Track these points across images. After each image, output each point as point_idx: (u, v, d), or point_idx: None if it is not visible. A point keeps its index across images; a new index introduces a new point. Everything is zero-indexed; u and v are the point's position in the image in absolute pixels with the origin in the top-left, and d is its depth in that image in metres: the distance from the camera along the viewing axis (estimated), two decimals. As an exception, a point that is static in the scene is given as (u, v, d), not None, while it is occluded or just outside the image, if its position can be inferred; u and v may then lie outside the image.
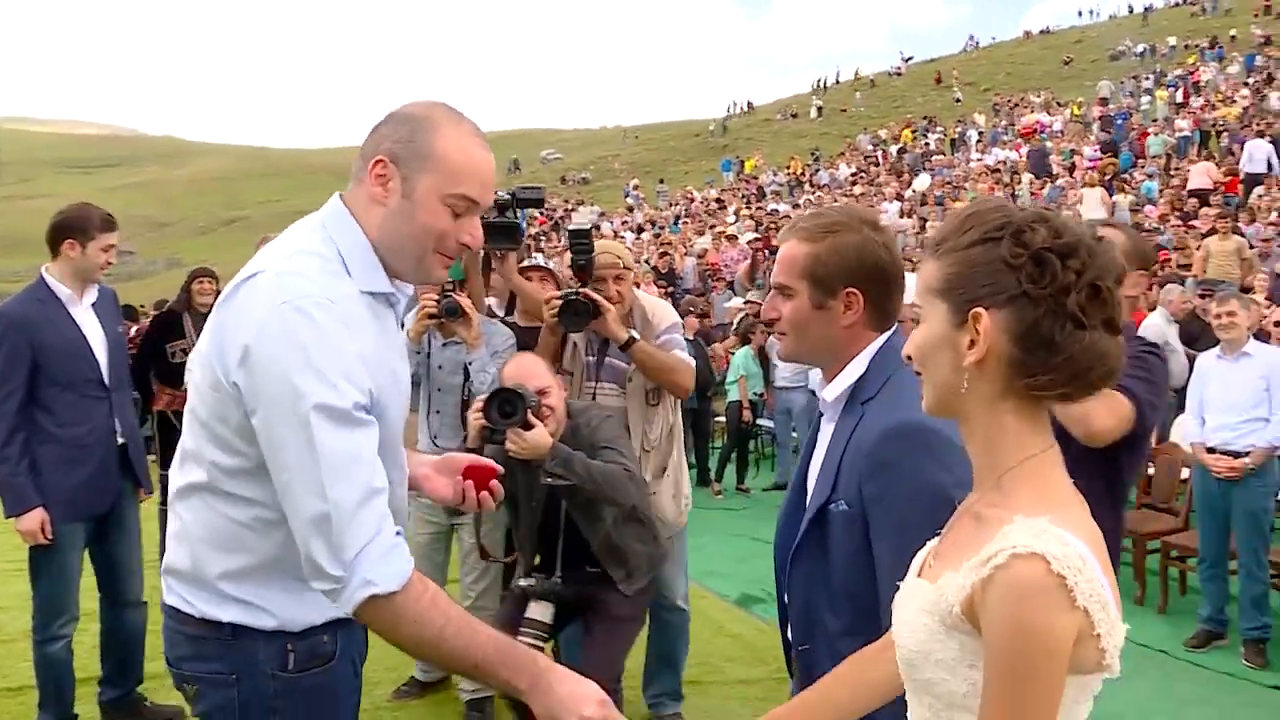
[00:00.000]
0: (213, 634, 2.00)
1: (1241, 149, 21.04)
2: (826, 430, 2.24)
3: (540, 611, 3.73)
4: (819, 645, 2.12)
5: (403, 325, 2.39)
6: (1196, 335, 9.50)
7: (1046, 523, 1.33)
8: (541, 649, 3.68)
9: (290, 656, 2.01)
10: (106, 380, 4.40)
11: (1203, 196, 18.74)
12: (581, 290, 4.07)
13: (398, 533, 1.88)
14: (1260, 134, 22.05)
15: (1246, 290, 10.96)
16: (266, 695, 2.01)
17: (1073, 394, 1.43)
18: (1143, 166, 23.59)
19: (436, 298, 4.24)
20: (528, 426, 3.53)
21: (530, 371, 3.77)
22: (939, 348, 1.48)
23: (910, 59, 71.57)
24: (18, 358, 4.16)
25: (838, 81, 68.94)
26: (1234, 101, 28.40)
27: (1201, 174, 19.66)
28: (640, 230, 30.53)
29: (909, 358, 1.56)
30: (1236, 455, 5.99)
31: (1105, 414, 3.14)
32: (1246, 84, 31.59)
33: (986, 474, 1.48)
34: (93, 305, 4.42)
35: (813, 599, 2.14)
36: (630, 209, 38.81)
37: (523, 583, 3.78)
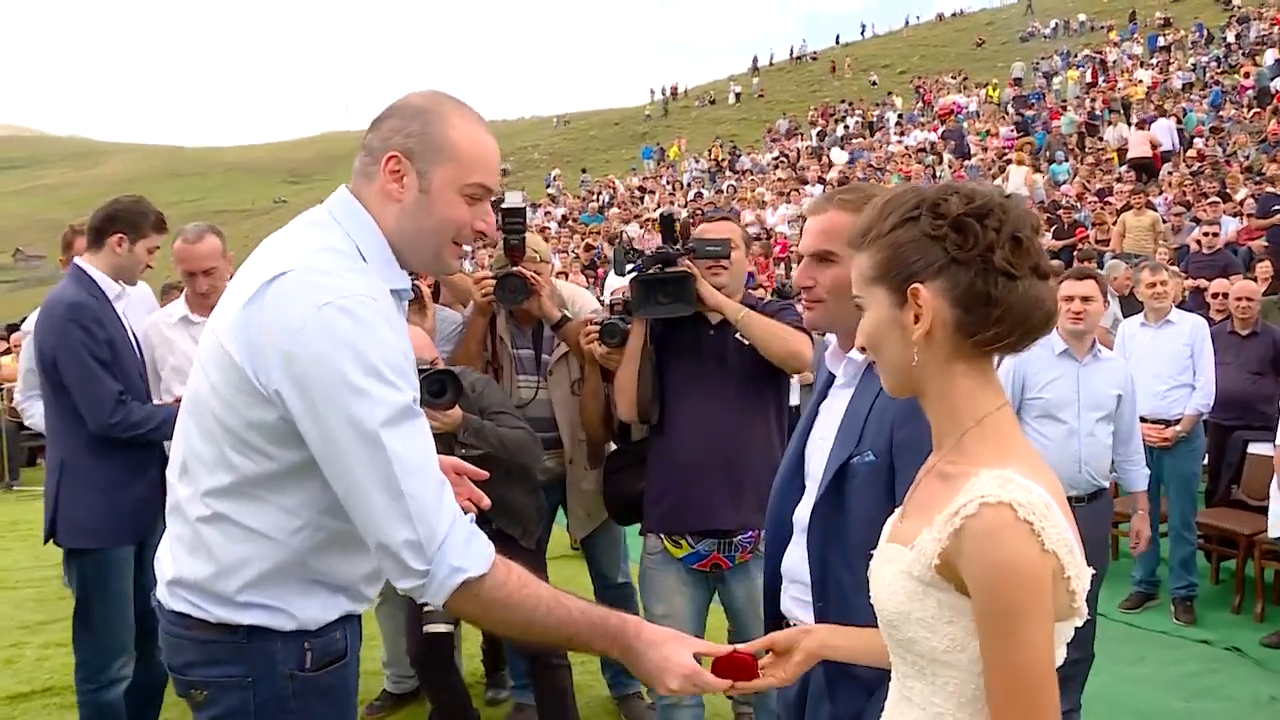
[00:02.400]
0: (226, 638, 1.95)
1: (1148, 127, 21.60)
2: (839, 396, 2.31)
3: None
4: (832, 603, 2.18)
5: None
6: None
7: (1011, 473, 1.41)
8: (452, 625, 3.70)
9: (308, 655, 1.99)
10: (147, 388, 4.05)
11: (1147, 166, 19.21)
12: (515, 268, 4.06)
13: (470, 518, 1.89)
14: (1163, 112, 22.71)
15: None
16: (284, 696, 1.98)
17: (1017, 342, 1.52)
18: (1054, 147, 24.08)
19: None
20: (451, 405, 3.55)
21: (416, 345, 3.69)
22: (887, 330, 1.56)
23: (838, 37, 72.63)
24: (107, 352, 3.78)
25: (771, 63, 69.29)
26: (1141, 82, 29.15)
27: (1142, 143, 20.05)
28: (564, 220, 30.44)
29: (862, 349, 1.64)
30: (1167, 423, 6.22)
31: (808, 348, 3.46)
32: (1149, 64, 32.46)
33: (947, 435, 1.56)
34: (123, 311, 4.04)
35: (829, 557, 2.19)
36: (553, 199, 38.68)
37: None
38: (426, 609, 3.59)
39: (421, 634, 3.72)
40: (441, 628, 3.63)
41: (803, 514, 2.31)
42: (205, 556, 1.95)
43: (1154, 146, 19.91)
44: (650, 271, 3.56)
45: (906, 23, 72.64)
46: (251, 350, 1.85)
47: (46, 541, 3.92)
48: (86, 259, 3.95)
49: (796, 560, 2.33)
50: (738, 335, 3.54)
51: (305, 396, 1.81)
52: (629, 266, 3.65)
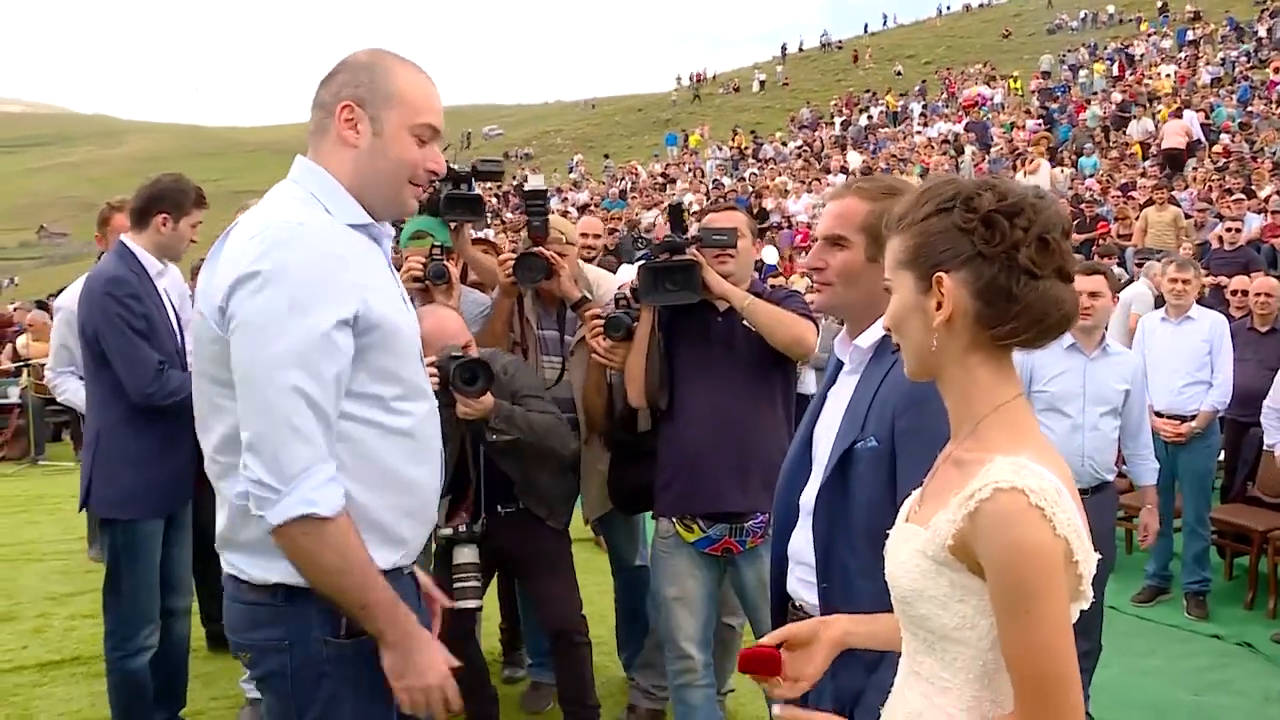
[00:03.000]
0: (267, 600, 2.08)
1: (1182, 118, 21.47)
2: (847, 383, 2.36)
3: (469, 554, 3.77)
4: (836, 585, 2.23)
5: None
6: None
7: (1025, 459, 1.47)
8: (480, 588, 3.79)
9: (342, 622, 2.08)
10: (185, 365, 4.03)
11: (1176, 157, 19.16)
12: (535, 248, 4.11)
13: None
14: (1188, 106, 22.54)
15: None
16: (318, 661, 2.08)
17: (1033, 339, 1.57)
18: (1079, 140, 23.92)
19: (423, 260, 4.10)
20: (482, 392, 3.61)
21: (451, 329, 3.76)
22: (910, 314, 1.63)
23: (866, 26, 72.31)
24: (145, 325, 3.88)
25: (801, 49, 69.06)
26: (1168, 76, 28.91)
27: (1177, 133, 19.96)
28: (584, 208, 30.43)
29: (887, 329, 1.70)
30: (1183, 419, 6.24)
31: (812, 335, 3.57)
32: (1175, 59, 32.20)
33: (963, 422, 1.62)
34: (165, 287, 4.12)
35: (833, 541, 2.24)
36: (576, 184, 38.69)
37: (444, 531, 3.79)
38: (457, 585, 3.67)
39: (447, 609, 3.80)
40: (471, 603, 3.70)
41: (809, 498, 2.35)
42: (225, 510, 2.10)
43: (1188, 136, 19.82)
44: (658, 259, 3.63)
45: (940, 13, 71.85)
46: (207, 293, 2.05)
47: (81, 509, 4.04)
48: (131, 237, 4.05)
49: (802, 543, 2.37)
50: (744, 322, 3.61)
51: (234, 317, 1.97)
52: (638, 254, 3.73)
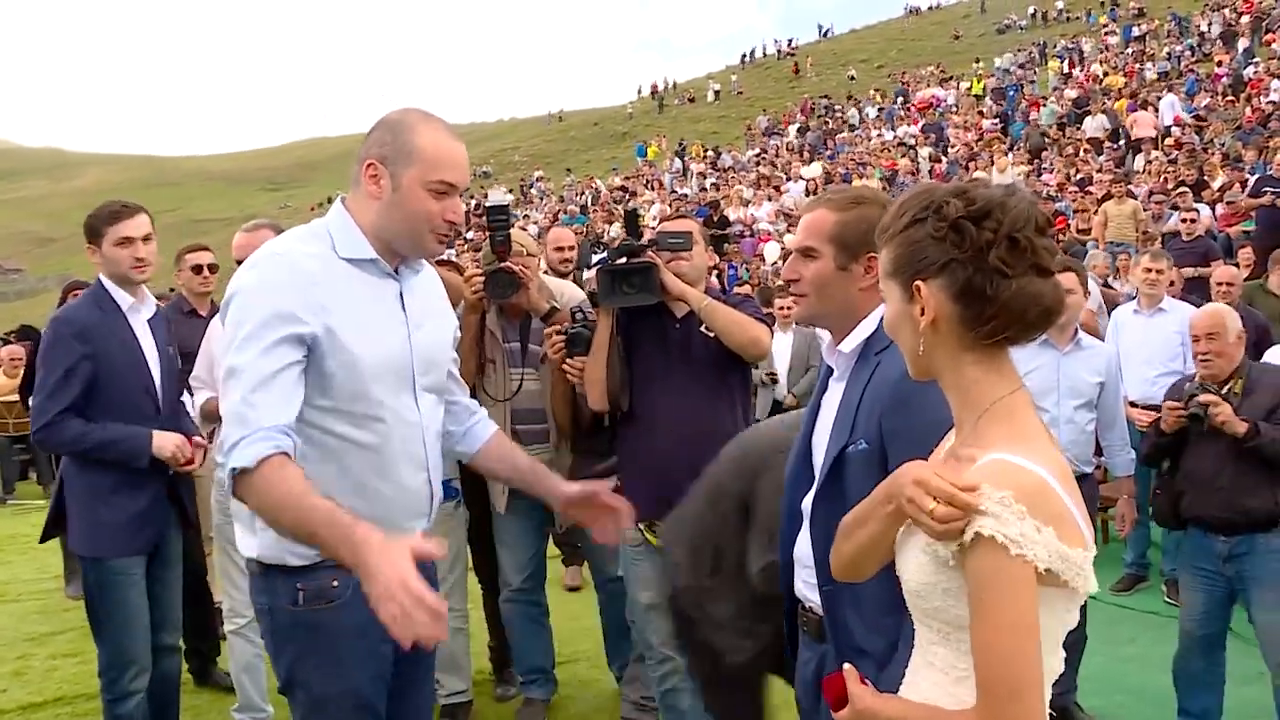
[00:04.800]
0: (254, 571, 2.45)
1: (1151, 108, 21.86)
2: (835, 389, 2.41)
3: None
4: (838, 586, 2.24)
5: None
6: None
7: (1014, 458, 1.53)
8: None
9: (300, 594, 2.39)
10: (160, 404, 3.96)
11: (1137, 146, 19.53)
12: (503, 264, 4.12)
13: (285, 431, 2.19)
14: (1137, 99, 22.97)
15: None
16: (284, 626, 2.41)
17: (1017, 335, 1.64)
18: (1033, 137, 24.19)
19: None
20: None
21: None
22: (901, 321, 1.70)
23: (827, 32, 72.32)
24: (75, 370, 3.74)
25: (765, 55, 69.37)
26: (1117, 70, 29.35)
27: (1146, 124, 20.41)
28: (541, 233, 30.35)
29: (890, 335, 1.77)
30: (1158, 409, 6.30)
31: (767, 338, 3.70)
32: (1124, 53, 32.70)
33: (965, 419, 1.68)
34: (148, 320, 4.01)
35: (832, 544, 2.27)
36: (541, 196, 38.71)
37: None
38: None
39: None
40: None
41: (808, 502, 2.39)
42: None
43: (1156, 129, 20.27)
44: (615, 263, 3.68)
45: (908, 11, 71.64)
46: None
47: (43, 541, 4.09)
48: (102, 276, 3.98)
49: (805, 547, 2.41)
50: (702, 328, 3.67)
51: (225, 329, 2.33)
52: (595, 258, 3.79)
